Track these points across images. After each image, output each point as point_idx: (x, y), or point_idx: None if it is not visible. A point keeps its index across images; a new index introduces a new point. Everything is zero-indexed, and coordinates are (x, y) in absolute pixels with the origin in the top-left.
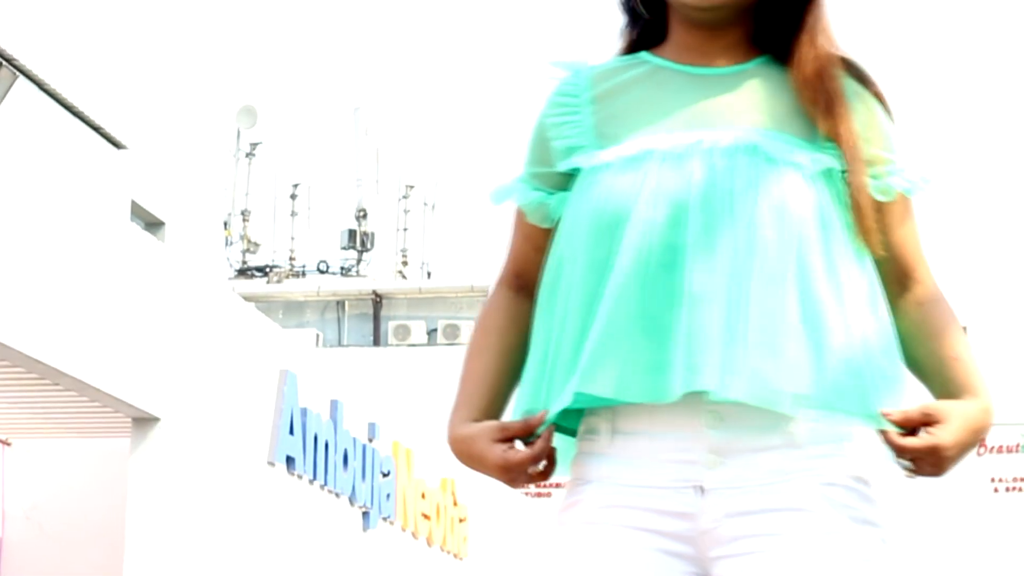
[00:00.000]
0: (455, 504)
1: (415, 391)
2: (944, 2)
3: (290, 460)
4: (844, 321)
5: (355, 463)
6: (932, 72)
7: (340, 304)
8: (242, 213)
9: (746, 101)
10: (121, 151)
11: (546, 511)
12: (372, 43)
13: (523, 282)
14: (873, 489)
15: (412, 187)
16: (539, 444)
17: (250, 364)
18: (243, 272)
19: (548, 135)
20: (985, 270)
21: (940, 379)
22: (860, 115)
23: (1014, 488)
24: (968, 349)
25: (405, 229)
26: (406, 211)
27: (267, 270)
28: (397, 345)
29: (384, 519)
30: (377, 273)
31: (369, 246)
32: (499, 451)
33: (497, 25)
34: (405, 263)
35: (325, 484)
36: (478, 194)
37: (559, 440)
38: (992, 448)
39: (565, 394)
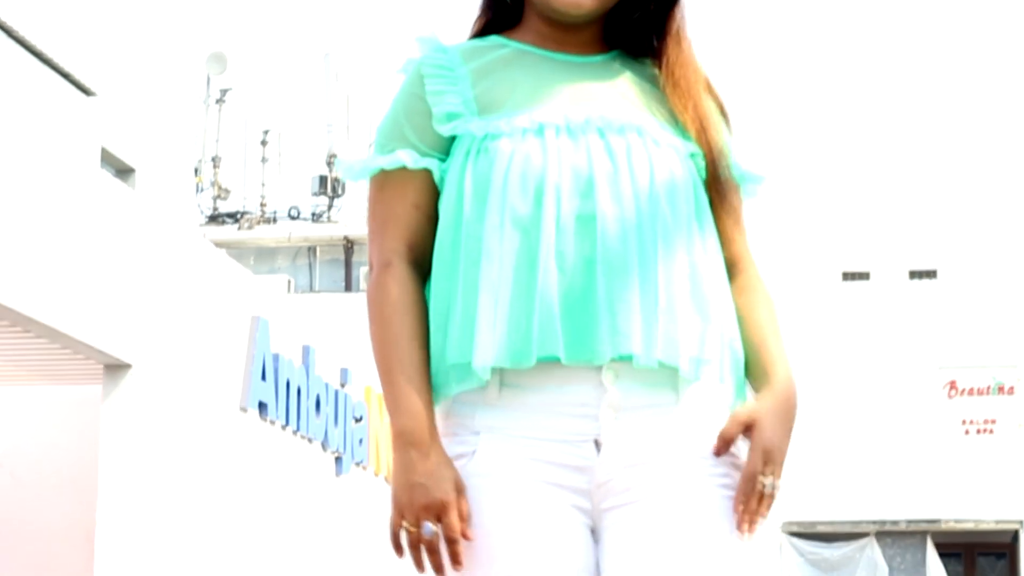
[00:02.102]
0: None
1: None
2: None
3: (262, 406)
4: (718, 296)
5: (327, 408)
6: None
7: (311, 250)
8: (213, 160)
9: (615, 87)
10: (90, 98)
11: None
12: None
13: (417, 254)
14: (741, 458)
15: None
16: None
17: (222, 310)
18: (214, 219)
19: (427, 103)
20: (954, 216)
21: (750, 362)
22: (714, 119)
23: (984, 430)
24: (775, 333)
25: None
26: None
27: (238, 216)
28: None
29: (357, 464)
30: (348, 219)
31: (340, 192)
32: (453, 501)
33: None
34: None
35: (298, 430)
36: None
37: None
38: (963, 391)
39: (530, 357)
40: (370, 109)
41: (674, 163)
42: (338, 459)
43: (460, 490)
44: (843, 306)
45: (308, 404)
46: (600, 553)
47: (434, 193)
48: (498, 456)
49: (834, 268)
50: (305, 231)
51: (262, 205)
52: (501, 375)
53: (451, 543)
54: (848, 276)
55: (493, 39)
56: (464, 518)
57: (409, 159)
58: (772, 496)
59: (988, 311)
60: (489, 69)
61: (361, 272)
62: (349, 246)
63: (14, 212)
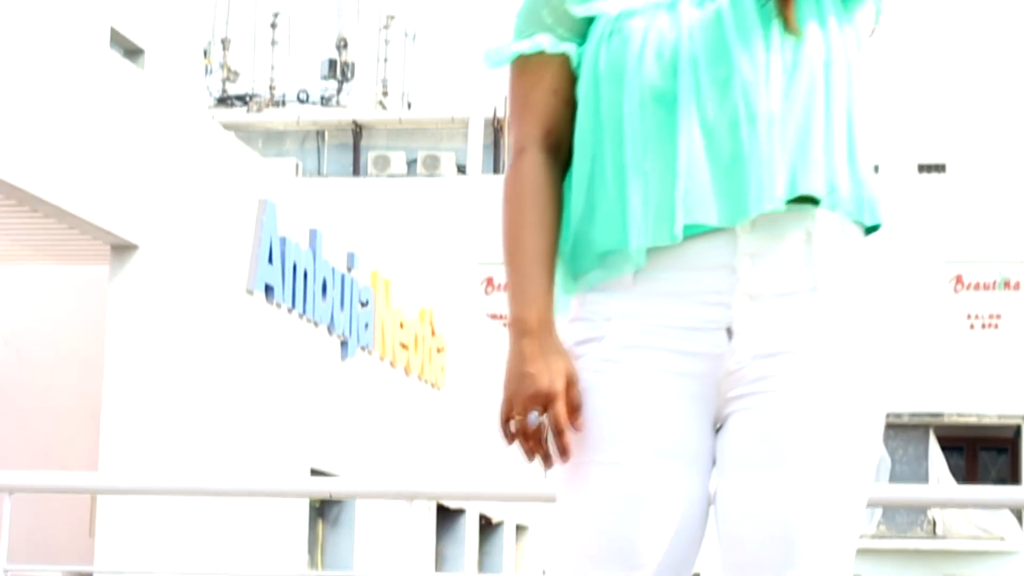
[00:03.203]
0: (433, 334)
1: (394, 221)
2: None
3: (269, 289)
4: (867, 144)
5: (334, 292)
6: None
7: (320, 134)
8: (222, 41)
9: None
10: None
11: None
12: None
13: (554, 140)
14: (879, 335)
15: (393, 17)
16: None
17: (229, 193)
18: (223, 101)
19: None
20: (964, 110)
21: None
22: None
23: (990, 325)
24: None
25: (386, 59)
26: (387, 41)
27: (247, 99)
28: (377, 175)
29: (362, 348)
30: (357, 103)
31: (350, 76)
32: (560, 389)
33: None
34: (385, 93)
35: (304, 313)
36: (459, 24)
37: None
38: (969, 285)
39: (676, 226)
40: None
41: (809, 19)
42: (343, 343)
43: (571, 382)
44: None
45: (314, 288)
46: (719, 441)
47: (573, 78)
48: (625, 343)
49: None
50: (314, 115)
51: (271, 88)
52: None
53: (558, 434)
54: None
55: None
56: (573, 410)
57: (548, 43)
58: None
59: (996, 206)
60: None
61: (369, 156)
62: (358, 130)
63: (23, 92)
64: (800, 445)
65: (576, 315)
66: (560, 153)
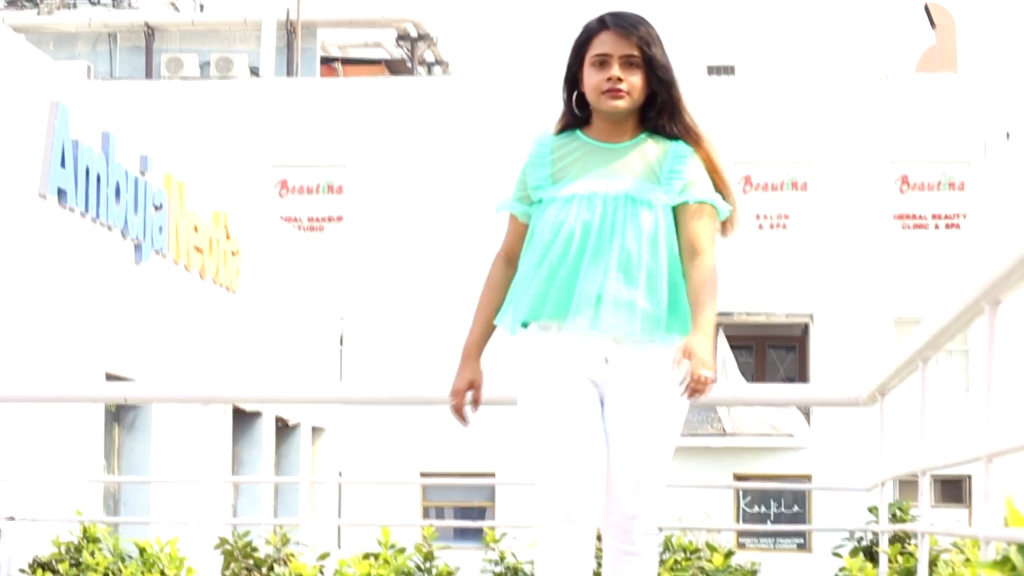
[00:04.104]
0: (228, 237)
1: (188, 125)
2: None
3: (61, 193)
4: (672, 292)
5: (127, 196)
6: None
7: (112, 36)
8: None
9: (629, 163)
10: None
11: (314, 245)
12: None
13: (511, 257)
14: (678, 370)
15: None
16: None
17: (20, 96)
18: (12, 2)
19: (528, 176)
20: (750, 13)
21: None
22: (687, 169)
23: (778, 225)
24: (710, 305)
25: None
26: None
27: (38, 1)
28: (170, 78)
29: (156, 252)
30: (149, 5)
31: None
32: (467, 384)
33: None
34: None
35: (97, 217)
36: None
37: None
38: (757, 186)
39: (547, 314)
40: None
41: (645, 216)
42: (137, 247)
43: (474, 385)
44: None
45: (108, 191)
46: (603, 408)
47: (526, 226)
48: (555, 349)
49: None
50: (105, 17)
51: None
52: (559, 324)
53: (457, 411)
54: None
55: (575, 134)
56: (475, 400)
57: (517, 210)
58: (707, 379)
59: (784, 108)
60: (563, 156)
61: (162, 59)
62: (150, 32)
63: None
64: (634, 417)
65: (537, 327)
66: (512, 262)
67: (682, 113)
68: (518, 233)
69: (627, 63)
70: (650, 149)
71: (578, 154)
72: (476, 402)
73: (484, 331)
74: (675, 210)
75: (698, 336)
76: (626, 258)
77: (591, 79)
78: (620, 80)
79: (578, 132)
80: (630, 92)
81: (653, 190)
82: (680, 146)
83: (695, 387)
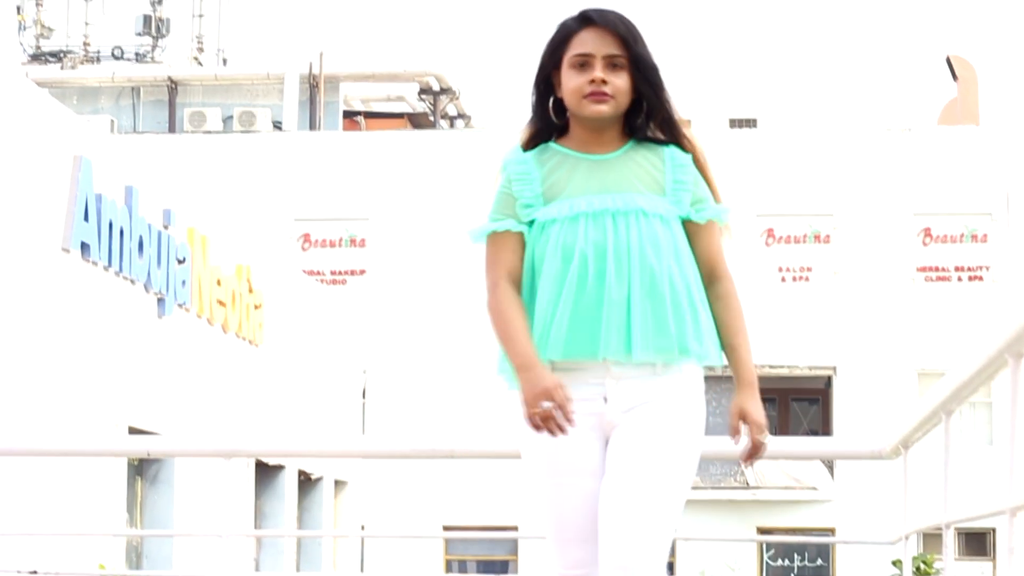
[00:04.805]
0: (250, 291)
1: (210, 178)
2: None
3: (85, 246)
4: (693, 311)
5: (150, 250)
6: None
7: (135, 90)
8: None
9: (627, 174)
10: None
11: (337, 299)
12: None
13: (514, 277)
14: (692, 403)
15: None
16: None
17: (44, 150)
18: (36, 58)
19: (514, 192)
20: (773, 65)
21: (726, 354)
22: (691, 178)
23: (800, 277)
24: (747, 347)
25: (201, 15)
26: None
27: (61, 56)
28: (192, 132)
29: (179, 306)
30: (172, 59)
31: (164, 32)
32: (554, 390)
33: None
34: (201, 49)
35: (120, 271)
36: None
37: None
38: (780, 239)
39: (551, 352)
40: None
41: (660, 229)
42: (160, 301)
43: (559, 383)
44: None
45: (131, 245)
46: (608, 450)
47: (523, 244)
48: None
49: None
50: (128, 71)
51: (85, 44)
52: (563, 363)
53: (562, 407)
54: None
55: (549, 147)
56: (567, 396)
57: (513, 225)
58: (764, 444)
59: (806, 161)
60: (550, 171)
61: (185, 113)
62: (173, 87)
63: None
64: (640, 453)
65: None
66: (516, 284)
67: (672, 117)
68: (516, 252)
69: (611, 64)
70: (645, 157)
71: (565, 168)
72: (565, 402)
73: (530, 338)
74: (684, 223)
75: (749, 396)
76: (650, 277)
77: (571, 82)
78: (604, 82)
79: (552, 144)
80: (615, 95)
81: (661, 202)
82: (677, 153)
83: (754, 454)
